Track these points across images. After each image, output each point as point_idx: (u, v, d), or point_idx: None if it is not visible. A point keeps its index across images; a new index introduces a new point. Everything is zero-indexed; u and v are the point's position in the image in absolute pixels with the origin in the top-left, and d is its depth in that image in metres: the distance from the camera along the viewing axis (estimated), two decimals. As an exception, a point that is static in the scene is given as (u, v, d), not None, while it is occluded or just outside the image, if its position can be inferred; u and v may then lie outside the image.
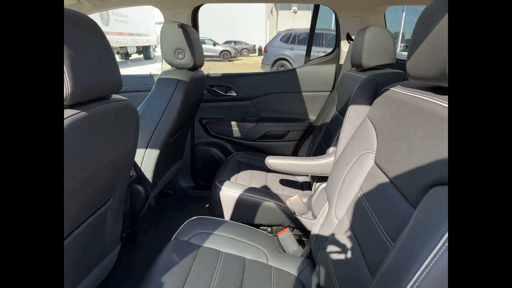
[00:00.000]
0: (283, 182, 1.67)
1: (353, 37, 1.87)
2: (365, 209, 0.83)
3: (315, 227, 1.10)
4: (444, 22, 0.57)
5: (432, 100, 0.64)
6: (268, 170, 1.74)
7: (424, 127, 0.63)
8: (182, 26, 1.51)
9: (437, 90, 0.70)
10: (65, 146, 0.63)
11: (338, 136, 1.36)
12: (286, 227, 1.48)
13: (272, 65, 9.69)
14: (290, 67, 8.77)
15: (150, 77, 2.16)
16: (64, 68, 0.62)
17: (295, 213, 1.47)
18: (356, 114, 1.05)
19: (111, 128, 0.82)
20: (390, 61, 1.40)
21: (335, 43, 2.02)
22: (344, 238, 0.91)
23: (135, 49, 15.34)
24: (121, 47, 14.11)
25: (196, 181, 2.22)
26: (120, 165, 0.96)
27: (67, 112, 0.66)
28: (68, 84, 0.63)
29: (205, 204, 2.07)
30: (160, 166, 1.59)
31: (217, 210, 1.48)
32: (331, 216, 1.02)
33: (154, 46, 16.31)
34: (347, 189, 0.95)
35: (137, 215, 1.56)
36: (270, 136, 2.06)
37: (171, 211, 2.02)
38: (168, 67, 1.68)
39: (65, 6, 0.68)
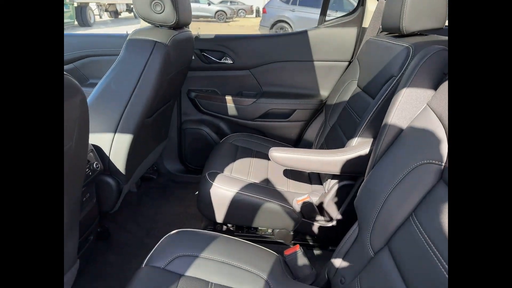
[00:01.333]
0: (288, 173, 1.38)
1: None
2: (424, 246, 0.55)
3: (337, 254, 0.82)
4: None
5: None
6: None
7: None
8: None
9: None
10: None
11: (368, 124, 1.03)
12: (295, 241, 1.21)
13: (271, 28, 9.08)
14: (290, 31, 8.15)
15: (127, 37, 1.75)
16: None
17: (303, 216, 1.19)
18: (410, 101, 0.72)
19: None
20: (438, 25, 1.05)
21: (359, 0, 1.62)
22: (384, 282, 0.63)
23: (125, 7, 14.23)
24: (109, 4, 13.05)
25: (185, 164, 1.91)
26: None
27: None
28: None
29: (195, 191, 1.78)
30: (136, 153, 1.27)
31: (206, 210, 1.19)
32: (363, 245, 0.73)
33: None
34: (392, 213, 0.66)
35: (107, 213, 1.26)
36: (272, 115, 1.72)
37: (155, 199, 1.73)
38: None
39: None
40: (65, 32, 1.95)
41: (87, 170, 1.03)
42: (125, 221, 1.53)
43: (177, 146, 1.86)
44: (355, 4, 1.67)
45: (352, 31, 1.59)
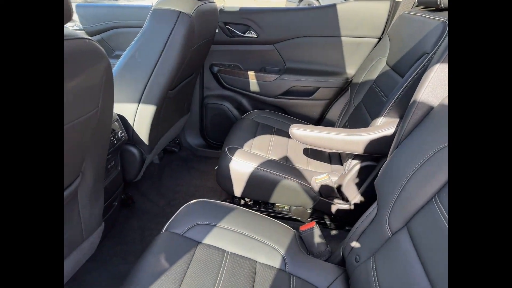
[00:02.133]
0: (308, 152, 1.36)
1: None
2: (445, 229, 0.53)
3: (354, 232, 0.81)
4: None
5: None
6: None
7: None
8: None
9: None
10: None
11: (396, 103, 0.99)
12: (312, 218, 1.21)
13: (299, 3, 8.72)
14: (317, 4, 7.78)
15: (140, 8, 1.75)
16: None
17: (321, 195, 1.18)
18: (443, 78, 0.68)
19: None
20: None
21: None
22: (401, 262, 0.62)
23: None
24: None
25: (206, 139, 1.93)
26: (85, 135, 0.66)
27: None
28: None
29: (214, 166, 1.81)
30: (159, 124, 1.30)
31: (225, 184, 1.21)
32: (381, 225, 0.72)
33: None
34: (414, 194, 0.64)
35: (131, 181, 1.32)
36: (295, 93, 1.69)
37: (176, 171, 1.78)
38: None
39: None
40: (93, 3, 1.97)
41: (112, 138, 1.06)
42: (148, 191, 1.60)
43: (199, 121, 1.88)
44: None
45: (384, 6, 1.50)
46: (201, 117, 1.87)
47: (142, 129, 1.19)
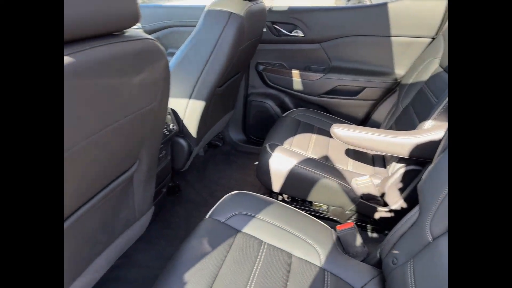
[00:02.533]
0: (350, 153, 1.35)
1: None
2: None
3: (393, 235, 0.80)
4: None
5: None
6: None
7: None
8: None
9: None
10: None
11: (446, 107, 0.95)
12: (350, 220, 1.20)
13: (348, 0, 8.44)
14: (368, 2, 7.48)
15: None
16: None
17: (361, 197, 1.17)
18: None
19: (123, 79, 0.58)
20: None
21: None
22: (441, 267, 0.61)
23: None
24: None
25: (247, 135, 1.99)
26: (143, 127, 0.74)
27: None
28: None
29: (255, 161, 1.87)
30: (207, 119, 1.37)
31: (265, 179, 1.25)
32: (421, 229, 0.70)
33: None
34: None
35: (179, 170, 1.42)
36: (339, 92, 1.67)
37: (219, 164, 1.86)
38: None
39: None
40: (152, 3, 2.12)
41: (164, 130, 1.16)
42: (193, 181, 1.70)
43: (242, 117, 1.95)
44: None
45: (441, 4, 1.42)
46: (244, 114, 1.93)
47: (191, 122, 1.28)
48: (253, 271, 0.76)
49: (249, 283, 0.73)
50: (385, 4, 1.53)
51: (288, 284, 0.75)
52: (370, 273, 0.82)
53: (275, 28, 1.71)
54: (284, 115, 1.59)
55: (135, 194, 0.91)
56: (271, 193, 1.43)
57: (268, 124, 1.83)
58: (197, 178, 1.72)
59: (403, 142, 1.01)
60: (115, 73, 0.55)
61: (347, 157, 1.32)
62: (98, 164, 0.62)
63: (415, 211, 0.76)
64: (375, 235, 1.34)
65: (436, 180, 0.69)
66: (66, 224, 0.63)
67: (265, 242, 0.85)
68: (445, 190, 0.65)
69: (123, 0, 0.53)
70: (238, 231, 0.86)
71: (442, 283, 0.58)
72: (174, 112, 1.25)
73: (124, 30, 0.60)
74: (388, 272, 0.77)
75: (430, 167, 0.75)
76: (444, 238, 0.63)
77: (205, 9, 1.18)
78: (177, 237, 1.34)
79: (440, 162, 0.72)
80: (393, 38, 1.56)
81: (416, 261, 0.69)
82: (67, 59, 0.46)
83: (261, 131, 1.92)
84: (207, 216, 0.91)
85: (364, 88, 1.62)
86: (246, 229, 0.87)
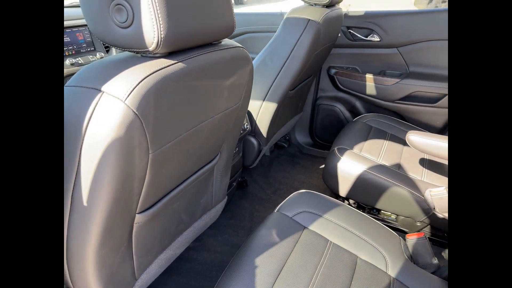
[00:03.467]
0: (425, 163, 1.28)
1: None
2: None
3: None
4: None
5: None
6: (405, 142, 1.36)
7: None
8: None
9: None
10: (153, 107, 0.52)
11: None
12: (421, 231, 1.15)
13: (430, 1, 7.75)
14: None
15: (281, 15, 1.93)
16: (155, 2, 0.47)
17: (434, 209, 1.11)
18: None
19: (218, 82, 0.68)
20: None
21: None
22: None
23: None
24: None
25: (314, 138, 2.02)
26: (227, 124, 0.84)
27: (160, 63, 0.53)
28: (160, 25, 0.49)
29: (320, 165, 1.88)
30: (276, 120, 1.45)
31: (331, 183, 1.27)
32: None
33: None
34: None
35: (248, 167, 1.52)
36: (417, 98, 1.59)
37: (283, 164, 1.92)
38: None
39: None
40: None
41: (240, 128, 1.26)
42: (259, 178, 1.79)
43: (309, 120, 1.98)
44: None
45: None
46: (312, 117, 1.96)
47: (263, 123, 1.36)
48: (318, 267, 0.80)
49: (313, 279, 0.77)
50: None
51: (352, 285, 0.77)
52: (440, 284, 0.79)
53: (350, 32, 1.70)
54: (354, 119, 1.58)
55: (214, 183, 1.02)
56: (337, 198, 1.44)
57: (337, 129, 1.83)
58: (263, 176, 1.81)
59: None
60: (213, 76, 0.65)
61: (421, 166, 1.26)
62: (192, 153, 0.73)
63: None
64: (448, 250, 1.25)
65: None
66: (161, 203, 0.75)
67: (331, 241, 0.87)
68: None
69: (224, 14, 0.63)
70: (304, 227, 0.91)
71: None
72: (248, 113, 1.35)
73: (221, 40, 0.70)
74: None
75: None
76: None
77: (285, 17, 1.25)
78: (242, 227, 1.44)
79: None
80: (484, 42, 1.42)
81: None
82: (177, 65, 0.56)
83: (328, 135, 1.92)
84: (275, 210, 0.97)
85: (445, 95, 1.51)
86: (313, 227, 0.91)
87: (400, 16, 1.59)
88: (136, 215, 0.68)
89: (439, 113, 1.57)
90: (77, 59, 1.29)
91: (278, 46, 1.25)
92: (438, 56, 1.55)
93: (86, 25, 1.33)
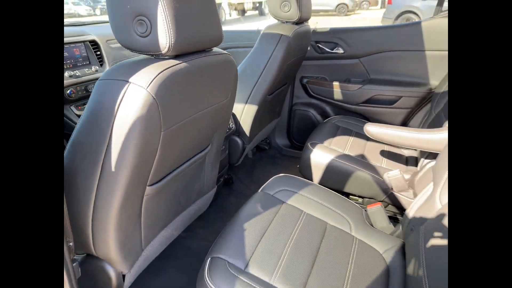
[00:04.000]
0: (385, 153, 1.51)
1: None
2: None
3: (413, 207, 0.97)
4: None
5: None
6: (368, 138, 1.59)
7: None
8: None
9: None
10: (166, 94, 0.70)
11: None
12: (379, 201, 1.36)
13: (395, 19, 8.43)
14: (417, 19, 7.42)
15: (258, 32, 2.17)
16: (167, 18, 0.66)
17: (392, 189, 1.33)
18: None
19: (211, 80, 0.87)
20: None
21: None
22: (445, 227, 0.77)
23: (251, 5, 15.62)
24: (238, 3, 14.57)
25: (291, 140, 2.23)
26: (217, 116, 1.03)
27: (170, 62, 0.72)
28: (171, 34, 0.68)
29: (297, 164, 2.08)
30: (257, 121, 1.65)
31: (306, 172, 1.46)
32: (433, 198, 0.87)
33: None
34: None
35: (234, 164, 1.69)
36: (376, 101, 1.85)
37: (265, 165, 2.11)
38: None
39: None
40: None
41: (225, 127, 1.45)
42: (244, 177, 1.96)
43: (287, 125, 2.19)
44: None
45: (472, 19, 1.56)
46: (289, 121, 2.18)
47: (246, 123, 1.56)
48: (294, 231, 0.98)
49: (290, 239, 0.94)
50: (419, 22, 1.70)
51: (321, 244, 0.95)
52: (393, 242, 0.99)
53: (318, 46, 1.96)
54: (324, 121, 1.80)
55: (206, 171, 1.19)
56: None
57: (311, 131, 2.05)
58: (247, 176, 1.99)
59: (428, 138, 1.17)
60: (207, 75, 0.84)
61: (381, 156, 1.48)
62: (191, 137, 0.91)
63: (429, 186, 0.93)
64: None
65: (444, 159, 0.86)
66: (165, 180, 0.91)
67: (305, 212, 1.06)
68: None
69: (215, 28, 0.83)
70: (283, 202, 1.09)
71: (444, 239, 0.74)
72: (232, 114, 1.54)
73: (213, 48, 0.90)
74: (406, 237, 0.93)
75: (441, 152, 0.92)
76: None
77: (261, 33, 1.48)
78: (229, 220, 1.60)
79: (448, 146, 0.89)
80: (427, 52, 1.71)
81: (426, 225, 0.85)
82: (182, 65, 0.75)
83: (304, 137, 2.14)
84: (259, 190, 1.15)
85: (401, 97, 1.78)
86: (290, 201, 1.09)
87: (360, 31, 1.87)
88: (147, 187, 0.84)
89: (397, 113, 1.82)
90: (75, 72, 1.44)
91: (256, 57, 1.46)
92: (394, 64, 1.83)
93: (82, 42, 1.49)
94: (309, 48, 1.95)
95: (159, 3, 0.65)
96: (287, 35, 1.42)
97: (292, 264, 0.86)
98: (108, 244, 0.81)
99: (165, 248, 1.25)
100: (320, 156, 1.41)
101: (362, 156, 1.46)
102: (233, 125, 1.50)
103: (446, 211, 0.79)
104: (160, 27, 0.67)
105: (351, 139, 1.58)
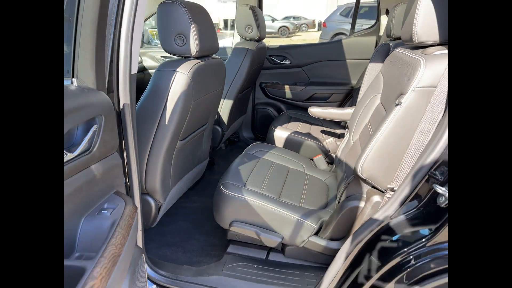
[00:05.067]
0: (324, 131, 2.14)
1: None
2: (368, 130, 1.29)
3: (338, 151, 1.58)
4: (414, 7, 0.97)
5: (409, 54, 1.06)
6: (312, 123, 2.22)
7: (403, 70, 1.02)
8: (252, 8, 2.02)
9: (415, 48, 1.11)
10: (190, 82, 1.20)
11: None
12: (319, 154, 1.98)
13: (332, 38, 9.66)
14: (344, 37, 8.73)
15: (223, 48, 2.75)
16: (195, 35, 1.18)
17: (329, 151, 1.95)
18: (373, 70, 1.47)
19: (213, 74, 1.39)
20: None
21: (376, 17, 2.35)
22: (355, 151, 1.38)
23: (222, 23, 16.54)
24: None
25: (255, 133, 2.80)
26: (214, 100, 1.54)
27: (196, 61, 1.24)
28: (197, 44, 1.20)
29: (262, 150, 2.64)
30: (232, 113, 2.18)
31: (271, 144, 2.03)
32: (349, 141, 1.49)
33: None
34: (361, 122, 1.41)
35: (215, 148, 2.19)
36: (316, 98, 2.51)
37: (235, 154, 2.61)
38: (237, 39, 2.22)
39: None
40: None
41: (211, 116, 1.95)
42: (220, 163, 2.46)
43: (251, 121, 2.76)
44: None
45: (372, 39, 2.32)
46: (252, 118, 2.75)
47: (224, 114, 2.08)
48: (268, 172, 1.51)
49: (267, 175, 1.47)
50: (340, 40, 2.43)
51: (287, 177, 1.50)
52: (330, 173, 1.58)
53: (271, 59, 2.59)
54: (281, 114, 2.40)
55: (203, 143, 1.68)
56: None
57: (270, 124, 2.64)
58: (223, 162, 2.49)
59: (343, 112, 1.81)
60: (212, 70, 1.37)
61: (321, 133, 2.11)
62: (200, 112, 1.41)
63: (347, 136, 1.54)
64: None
65: (353, 117, 1.48)
66: (185, 140, 1.39)
67: (274, 162, 1.61)
68: (356, 119, 1.44)
69: (215, 41, 1.36)
70: (260, 157, 1.63)
71: (355, 156, 1.34)
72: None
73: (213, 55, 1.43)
74: (337, 169, 1.53)
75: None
76: (357, 140, 1.41)
77: (233, 47, 2.04)
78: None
79: (354, 110, 1.52)
80: (347, 61, 2.44)
81: (345, 155, 1.46)
82: (201, 63, 1.26)
83: (265, 130, 2.71)
84: (243, 152, 1.68)
85: (332, 94, 2.47)
86: (264, 157, 1.64)
87: (302, 47, 2.54)
88: (178, 142, 1.32)
89: (330, 106, 2.50)
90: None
91: (231, 65, 2.02)
92: (327, 70, 2.52)
93: None
94: (264, 61, 2.57)
95: (191, 26, 1.17)
96: (252, 49, 2.00)
97: (270, 186, 1.39)
98: (156, 177, 1.26)
99: (170, 208, 1.67)
100: (280, 133, 1.99)
101: (308, 133, 2.07)
102: (216, 116, 2.01)
103: (356, 144, 1.40)
104: (191, 40, 1.19)
105: (301, 124, 2.20)
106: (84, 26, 0.72)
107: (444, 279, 0.74)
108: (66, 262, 0.56)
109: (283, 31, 15.59)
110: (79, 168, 0.67)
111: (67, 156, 0.63)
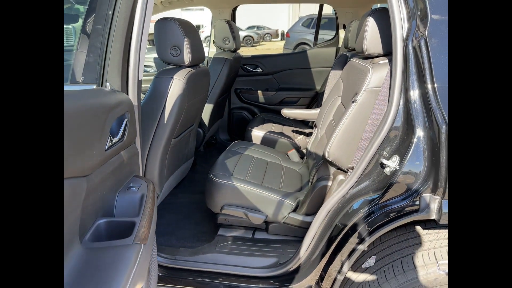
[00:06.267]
0: (295, 131, 2.43)
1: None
2: (332, 124, 1.58)
3: (309, 145, 1.87)
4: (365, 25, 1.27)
5: (361, 63, 1.36)
6: (284, 124, 2.50)
7: (357, 76, 1.32)
8: (228, 22, 2.27)
9: (365, 58, 1.41)
10: (185, 87, 1.40)
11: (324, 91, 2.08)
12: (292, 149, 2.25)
13: (294, 49, 10.19)
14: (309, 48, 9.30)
15: (210, 58, 2.96)
16: (188, 47, 1.39)
17: (300, 147, 2.23)
18: (334, 76, 1.78)
19: (201, 80, 1.61)
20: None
21: (335, 31, 2.72)
22: (323, 143, 1.66)
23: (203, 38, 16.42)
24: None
25: (231, 135, 3.02)
26: (200, 104, 1.75)
27: (188, 69, 1.45)
28: (190, 55, 1.41)
29: (238, 151, 2.86)
30: (212, 116, 2.40)
31: (248, 137, 2.26)
32: (317, 136, 1.77)
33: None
34: (326, 119, 1.70)
35: (197, 148, 2.38)
36: (286, 102, 2.81)
37: (215, 155, 2.82)
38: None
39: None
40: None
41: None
42: (201, 163, 2.64)
43: (227, 124, 2.98)
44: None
45: (333, 49, 2.67)
46: (229, 121, 2.97)
47: (205, 117, 2.29)
48: (250, 165, 1.74)
49: (249, 167, 1.70)
50: (305, 51, 2.75)
51: (266, 169, 1.74)
52: (303, 164, 1.85)
53: (245, 68, 2.85)
54: (255, 117, 2.65)
55: (190, 142, 1.87)
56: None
57: (245, 127, 2.88)
58: (203, 162, 2.67)
59: (310, 112, 2.10)
60: (199, 77, 1.58)
61: (292, 132, 2.39)
62: (190, 113, 1.61)
63: (315, 133, 1.83)
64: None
65: (320, 116, 1.77)
66: (178, 138, 1.58)
67: (254, 156, 1.84)
68: (322, 117, 1.73)
69: (202, 51, 1.58)
70: (242, 153, 1.86)
71: (322, 145, 1.62)
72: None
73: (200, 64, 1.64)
74: (308, 160, 1.80)
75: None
76: (324, 134, 1.70)
77: (212, 57, 2.27)
78: (199, 188, 2.27)
79: (320, 110, 1.81)
80: (312, 69, 2.76)
81: (315, 147, 1.73)
82: (193, 71, 1.48)
83: (240, 131, 2.95)
84: (227, 148, 1.89)
85: (300, 98, 2.77)
86: (246, 152, 1.87)
87: (272, 57, 2.84)
88: (173, 139, 1.51)
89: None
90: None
91: (211, 73, 2.23)
92: (294, 77, 2.83)
93: None
94: (239, 68, 2.82)
95: (184, 40, 1.38)
96: (229, 58, 2.25)
97: (254, 175, 1.62)
98: (155, 168, 1.44)
99: (159, 205, 1.83)
100: (257, 133, 2.24)
101: (281, 133, 2.34)
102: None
103: (323, 137, 1.68)
104: (185, 51, 1.40)
105: (274, 125, 2.47)
106: (114, 41, 0.91)
107: (391, 226, 1.02)
108: (121, 219, 0.75)
109: (247, 41, 16.00)
110: (116, 152, 0.86)
111: (110, 142, 0.82)
